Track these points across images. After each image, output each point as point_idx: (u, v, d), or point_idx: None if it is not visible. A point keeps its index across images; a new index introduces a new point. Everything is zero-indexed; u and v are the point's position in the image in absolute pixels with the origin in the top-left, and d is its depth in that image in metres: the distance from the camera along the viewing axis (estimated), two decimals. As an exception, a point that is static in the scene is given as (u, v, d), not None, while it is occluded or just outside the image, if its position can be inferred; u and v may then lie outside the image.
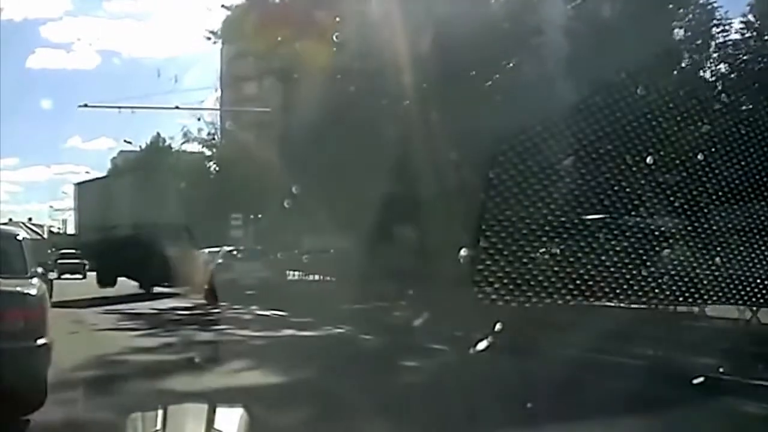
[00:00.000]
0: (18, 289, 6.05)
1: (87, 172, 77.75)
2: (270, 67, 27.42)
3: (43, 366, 6.06)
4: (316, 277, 28.22)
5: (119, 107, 32.44)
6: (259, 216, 36.88)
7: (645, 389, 7.37)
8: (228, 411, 2.07)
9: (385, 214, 19.02)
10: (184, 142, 43.47)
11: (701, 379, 7.03)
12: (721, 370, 7.45)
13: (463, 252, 9.13)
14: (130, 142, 52.29)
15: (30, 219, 59.38)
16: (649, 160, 7.38)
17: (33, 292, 6.14)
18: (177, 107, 36.45)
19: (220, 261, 25.65)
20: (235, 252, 26.87)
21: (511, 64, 15.64)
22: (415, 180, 16.45)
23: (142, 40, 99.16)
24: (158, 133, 54.46)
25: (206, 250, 27.32)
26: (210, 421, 1.98)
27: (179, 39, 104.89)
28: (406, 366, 10.40)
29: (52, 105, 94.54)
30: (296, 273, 29.90)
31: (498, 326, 8.94)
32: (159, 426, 1.95)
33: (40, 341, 5.93)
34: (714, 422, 6.21)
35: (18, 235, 7.28)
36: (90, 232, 28.16)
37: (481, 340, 8.81)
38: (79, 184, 33.54)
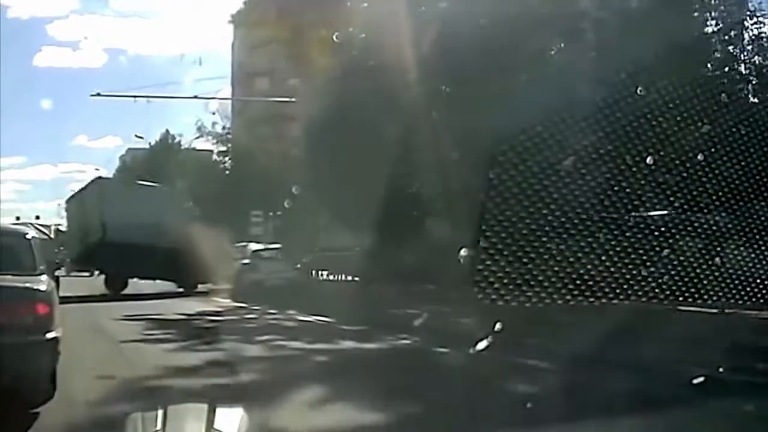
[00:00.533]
0: (28, 285, 6.34)
1: (97, 169, 77.45)
2: (291, 55, 26.88)
3: (53, 359, 6.34)
4: (341, 276, 27.04)
5: (134, 96, 31.77)
6: (278, 213, 35.99)
7: (646, 388, 7.36)
8: (228, 411, 2.07)
9: (418, 210, 18.66)
10: (197, 137, 42.89)
11: (701, 378, 7.02)
12: (720, 369, 7.44)
13: (463, 252, 9.13)
14: (141, 137, 51.73)
15: (37, 217, 59.30)
16: (699, 156, 7.36)
17: (42, 288, 6.42)
18: (196, 97, 35.95)
19: (246, 261, 24.50)
20: (261, 251, 25.48)
21: (544, 56, 15.12)
22: (449, 174, 15.90)
23: (149, 38, 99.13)
24: (167, 130, 53.93)
25: (237, 246, 26.36)
26: (210, 421, 1.98)
27: (186, 37, 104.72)
28: (528, 392, 7.96)
29: (58, 103, 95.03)
30: (320, 272, 28.79)
31: (498, 326, 8.95)
32: (159, 426, 1.95)
33: (50, 335, 6.17)
34: (713, 422, 6.21)
35: (27, 233, 7.61)
36: (96, 234, 26.34)
37: (481, 339, 8.79)
38: (99, 180, 30.51)
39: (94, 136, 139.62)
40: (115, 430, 4.94)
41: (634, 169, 7.50)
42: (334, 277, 27.61)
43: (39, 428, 6.00)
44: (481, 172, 8.32)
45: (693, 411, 6.52)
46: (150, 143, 53.28)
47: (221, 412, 2.04)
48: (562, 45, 15.48)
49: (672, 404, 6.72)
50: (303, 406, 7.33)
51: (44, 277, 6.78)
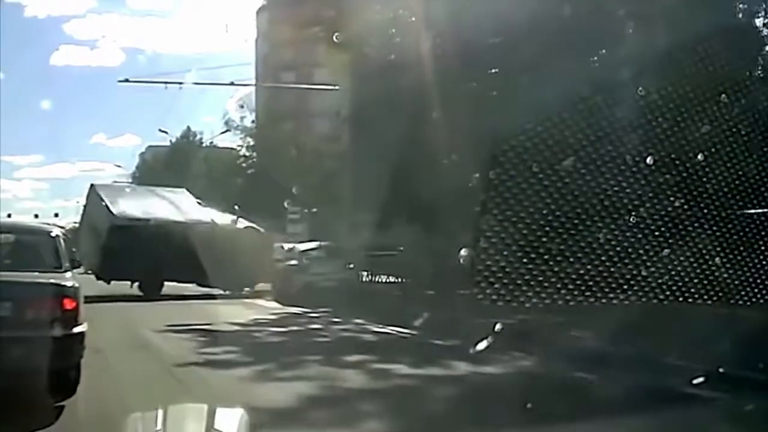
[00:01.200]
0: (56, 281, 6.65)
1: (119, 165, 76.98)
2: (317, 48, 25.65)
3: (79, 353, 6.65)
4: (392, 278, 24.03)
5: (165, 83, 30.24)
6: (314, 210, 34.70)
7: (646, 388, 7.36)
8: (228, 411, 2.07)
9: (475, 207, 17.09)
10: (224, 131, 42.20)
11: (701, 378, 7.02)
12: (721, 369, 7.44)
13: (463, 252, 9.10)
14: (165, 132, 51.25)
15: (56, 215, 59.43)
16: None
17: (69, 284, 6.70)
18: (232, 83, 34.74)
19: (294, 261, 22.78)
20: (309, 250, 23.41)
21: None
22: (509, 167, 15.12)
23: (167, 36, 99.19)
24: (188, 127, 53.69)
25: (284, 246, 25.35)
26: (210, 421, 1.98)
27: (204, 35, 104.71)
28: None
29: (76, 102, 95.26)
30: (372, 274, 25.30)
31: (498, 326, 8.94)
32: (159, 426, 1.95)
33: (76, 330, 6.51)
34: (713, 422, 6.21)
35: (53, 232, 7.84)
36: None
37: (480, 340, 8.78)
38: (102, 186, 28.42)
39: (113, 135, 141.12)
40: (116, 430, 4.94)
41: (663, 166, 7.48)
42: (385, 279, 24.31)
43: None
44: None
45: (693, 411, 6.51)
46: (171, 140, 53.02)
47: (221, 412, 2.04)
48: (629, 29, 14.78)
49: (672, 404, 6.72)
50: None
51: (69, 274, 7.04)
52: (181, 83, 31.01)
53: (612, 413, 6.42)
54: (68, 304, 6.43)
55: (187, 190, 28.98)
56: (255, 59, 57.50)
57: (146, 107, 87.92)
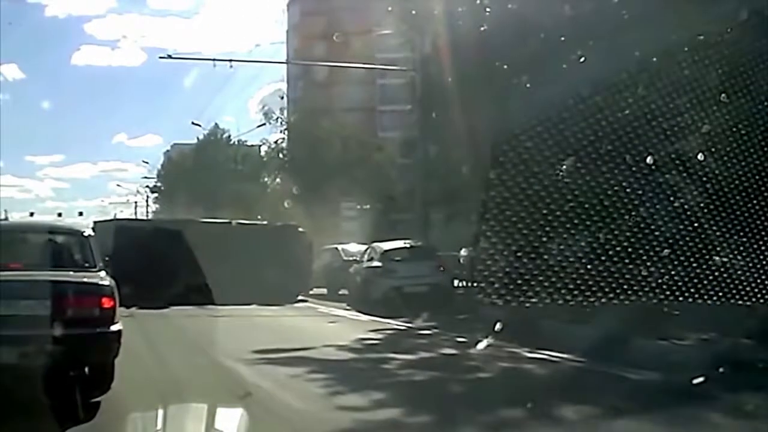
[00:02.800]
0: (93, 280, 6.76)
1: (145, 162, 76.37)
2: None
3: (115, 351, 6.66)
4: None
5: (213, 60, 27.93)
6: (367, 206, 33.34)
7: (647, 388, 7.35)
8: (228, 411, 2.07)
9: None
10: (261, 125, 40.96)
11: (701, 378, 7.01)
12: (720, 370, 7.43)
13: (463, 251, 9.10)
14: (198, 125, 49.88)
15: (80, 214, 59.45)
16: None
17: (106, 283, 6.76)
18: (287, 61, 33.26)
19: (378, 264, 19.36)
20: (393, 250, 19.87)
21: None
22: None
23: (188, 37, 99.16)
24: (216, 124, 52.87)
25: (339, 247, 24.06)
26: (210, 421, 1.98)
27: (225, 35, 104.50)
28: None
29: (97, 102, 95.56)
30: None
31: (498, 326, 8.94)
32: (159, 426, 1.96)
33: (113, 328, 6.56)
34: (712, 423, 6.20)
35: (85, 231, 7.93)
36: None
37: (480, 340, 8.77)
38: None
39: (134, 135, 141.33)
40: (117, 430, 4.94)
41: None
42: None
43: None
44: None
45: (692, 411, 6.51)
46: (198, 137, 52.19)
47: (221, 412, 2.04)
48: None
49: (671, 404, 6.72)
50: None
51: (103, 273, 7.12)
52: (230, 60, 28.23)
53: None
54: (106, 303, 6.54)
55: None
56: (286, 53, 56.75)
57: (167, 108, 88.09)
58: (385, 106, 51.67)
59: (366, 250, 21.10)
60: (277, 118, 38.51)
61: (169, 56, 27.82)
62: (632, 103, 7.89)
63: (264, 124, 39.53)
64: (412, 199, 24.31)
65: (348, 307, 18.48)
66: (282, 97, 41.14)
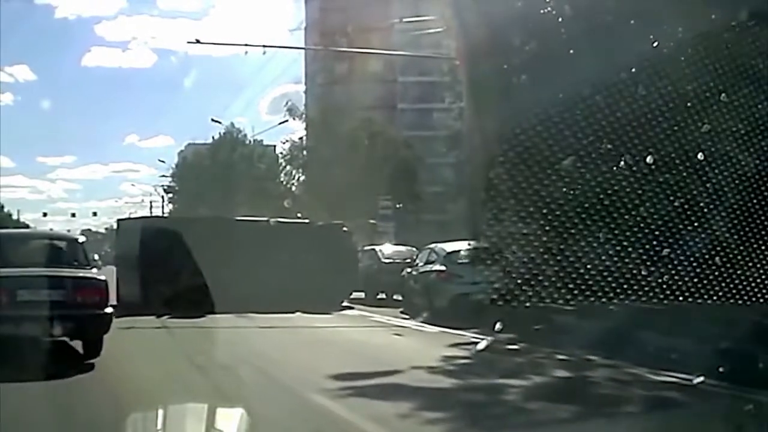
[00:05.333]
0: (92, 275, 9.35)
1: (162, 161, 75.42)
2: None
3: (108, 326, 9.04)
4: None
5: (246, 45, 27.26)
6: (399, 205, 31.90)
7: (646, 388, 7.35)
8: (228, 411, 2.07)
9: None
10: (283, 122, 40.93)
11: (701, 378, 7.02)
12: (720, 369, 7.43)
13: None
14: (219, 122, 49.98)
15: (95, 214, 59.56)
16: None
17: (102, 278, 9.37)
18: (326, 47, 33.39)
19: (440, 268, 17.14)
20: (456, 253, 17.38)
21: None
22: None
23: (198, 38, 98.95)
24: (232, 123, 52.60)
25: (376, 248, 22.82)
26: (210, 421, 1.98)
27: (236, 36, 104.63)
28: None
29: (108, 103, 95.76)
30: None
31: (498, 326, 8.94)
32: (159, 426, 1.95)
33: (107, 310, 9.06)
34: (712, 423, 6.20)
35: (79, 239, 11.22)
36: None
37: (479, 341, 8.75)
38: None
39: (145, 136, 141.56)
40: (117, 430, 4.94)
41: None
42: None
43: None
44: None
45: (692, 411, 6.51)
46: (213, 137, 52.31)
47: (221, 412, 2.04)
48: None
49: (671, 404, 6.72)
50: None
51: (96, 270, 9.98)
52: (264, 46, 28.18)
53: None
54: (102, 293, 9.02)
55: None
56: (304, 54, 56.61)
57: (178, 109, 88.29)
58: (406, 105, 51.54)
59: (423, 252, 18.97)
60: (301, 114, 38.69)
61: (197, 41, 28.19)
62: (632, 102, 7.90)
63: (286, 120, 39.63)
64: (445, 198, 23.77)
65: (405, 316, 16.79)
66: (305, 92, 41.04)
